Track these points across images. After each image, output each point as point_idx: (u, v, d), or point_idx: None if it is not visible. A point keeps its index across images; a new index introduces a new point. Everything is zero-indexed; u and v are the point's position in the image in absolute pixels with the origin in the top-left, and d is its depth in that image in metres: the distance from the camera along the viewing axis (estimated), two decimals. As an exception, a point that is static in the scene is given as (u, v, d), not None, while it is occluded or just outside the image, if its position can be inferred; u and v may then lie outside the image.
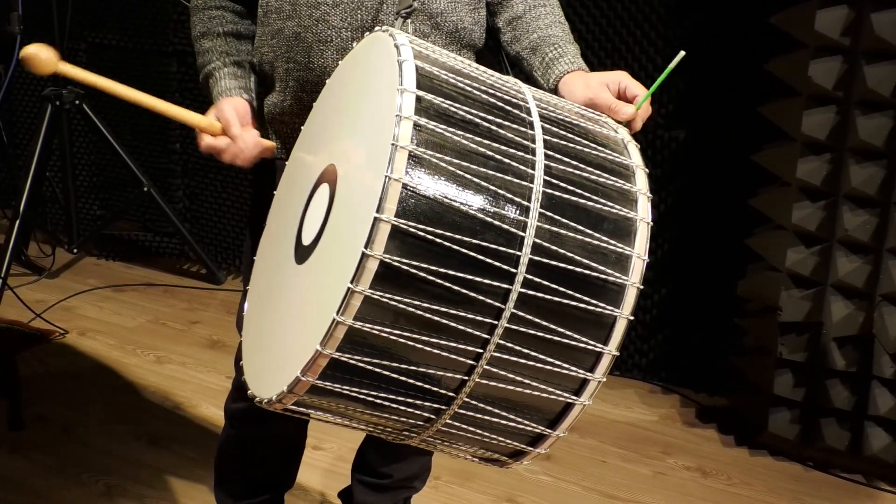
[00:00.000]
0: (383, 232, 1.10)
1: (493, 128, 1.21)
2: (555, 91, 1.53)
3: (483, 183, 1.16)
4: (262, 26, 1.66)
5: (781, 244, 2.62)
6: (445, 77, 1.23)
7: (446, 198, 1.14)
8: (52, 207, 4.13)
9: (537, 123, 1.25)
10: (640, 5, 2.95)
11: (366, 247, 1.10)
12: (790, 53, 2.56)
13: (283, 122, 1.67)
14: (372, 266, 1.10)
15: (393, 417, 1.24)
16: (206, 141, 1.58)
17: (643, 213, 1.26)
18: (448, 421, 1.24)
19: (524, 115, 1.26)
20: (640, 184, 1.28)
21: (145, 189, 3.69)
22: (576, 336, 1.20)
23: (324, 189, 1.31)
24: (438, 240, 1.12)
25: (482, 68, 1.33)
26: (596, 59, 3.03)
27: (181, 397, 2.92)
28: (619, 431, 2.86)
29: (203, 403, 2.88)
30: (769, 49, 2.64)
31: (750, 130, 2.76)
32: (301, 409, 1.25)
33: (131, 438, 2.68)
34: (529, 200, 1.18)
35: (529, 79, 1.58)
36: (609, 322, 1.22)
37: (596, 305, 1.21)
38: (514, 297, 1.16)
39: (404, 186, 1.11)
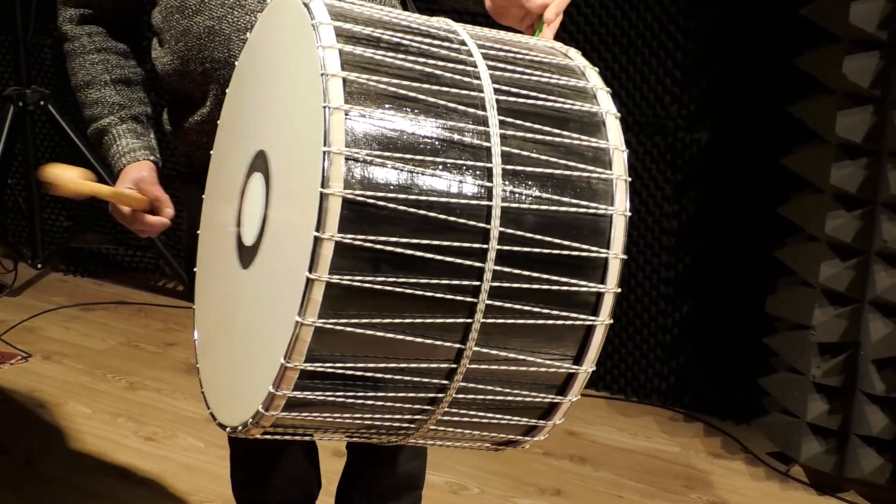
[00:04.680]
0: (337, 166, 1.09)
1: (426, 47, 1.22)
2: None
3: (431, 99, 1.17)
4: (164, 32, 1.64)
5: (814, 257, 2.63)
6: (360, 11, 1.24)
7: (396, 119, 1.14)
8: (14, 218, 4.14)
9: (473, 46, 1.26)
10: (658, -5, 2.98)
11: (317, 229, 1.08)
12: (823, 48, 2.58)
13: (202, 131, 1.65)
14: (334, 211, 1.09)
15: (387, 416, 1.23)
16: (142, 219, 1.66)
17: (607, 107, 1.27)
18: (447, 409, 1.23)
19: (458, 46, 1.26)
20: (605, 105, 1.29)
21: (116, 198, 3.67)
22: (572, 245, 1.20)
23: (257, 179, 1.29)
24: (399, 163, 1.12)
25: (406, 13, 1.33)
26: (610, 55, 3.05)
27: (156, 427, 2.92)
28: (637, 463, 2.85)
29: (180, 434, 2.88)
30: (800, 43, 2.66)
31: (779, 132, 2.78)
32: (281, 429, 1.23)
33: (101, 473, 2.68)
34: (485, 109, 1.19)
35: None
36: (604, 227, 1.22)
37: (587, 207, 1.21)
38: (496, 213, 1.16)
39: (346, 115, 1.11)
